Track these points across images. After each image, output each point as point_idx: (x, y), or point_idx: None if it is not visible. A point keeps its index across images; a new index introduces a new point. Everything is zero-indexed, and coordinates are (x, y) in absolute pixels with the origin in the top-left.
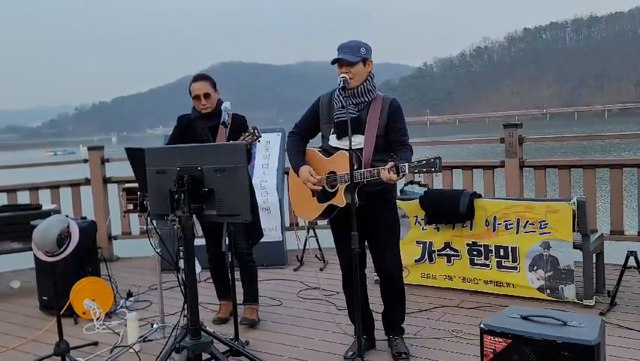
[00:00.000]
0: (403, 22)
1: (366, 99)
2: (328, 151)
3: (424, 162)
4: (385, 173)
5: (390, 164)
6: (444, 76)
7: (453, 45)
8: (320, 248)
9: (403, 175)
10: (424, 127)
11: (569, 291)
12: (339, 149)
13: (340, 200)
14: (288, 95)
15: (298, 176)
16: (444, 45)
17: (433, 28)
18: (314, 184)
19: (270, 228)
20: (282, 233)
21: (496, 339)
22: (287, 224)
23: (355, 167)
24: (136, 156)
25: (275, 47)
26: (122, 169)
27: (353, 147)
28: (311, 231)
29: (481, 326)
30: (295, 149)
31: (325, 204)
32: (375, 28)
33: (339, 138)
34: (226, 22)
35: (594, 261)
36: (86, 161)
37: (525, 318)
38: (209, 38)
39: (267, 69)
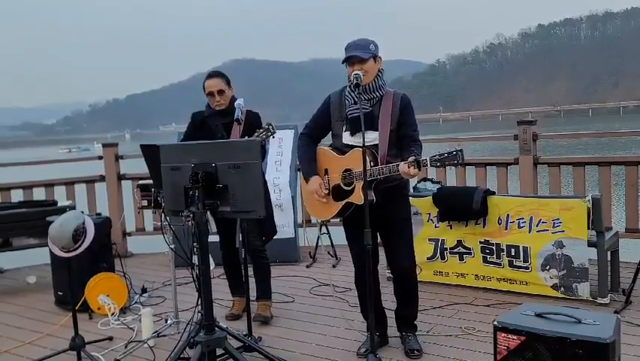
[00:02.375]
0: (415, 19)
1: (378, 95)
2: (341, 149)
3: (446, 154)
4: (405, 167)
5: (412, 158)
6: (457, 73)
7: (466, 42)
8: (332, 245)
9: (423, 169)
10: (436, 124)
11: (583, 289)
12: (352, 146)
13: (358, 197)
14: (300, 92)
15: (307, 183)
16: (457, 42)
17: (445, 25)
18: (321, 197)
19: (283, 224)
20: (294, 230)
21: (510, 336)
22: (300, 221)
23: (372, 163)
24: (150, 153)
25: (287, 44)
26: (136, 166)
27: (368, 143)
28: (323, 228)
29: (495, 323)
30: (306, 154)
31: (342, 203)
32: (387, 24)
33: (352, 134)
34: (239, 19)
35: (609, 259)
36: (100, 158)
37: (539, 315)
38: (222, 36)
39: (279, 66)
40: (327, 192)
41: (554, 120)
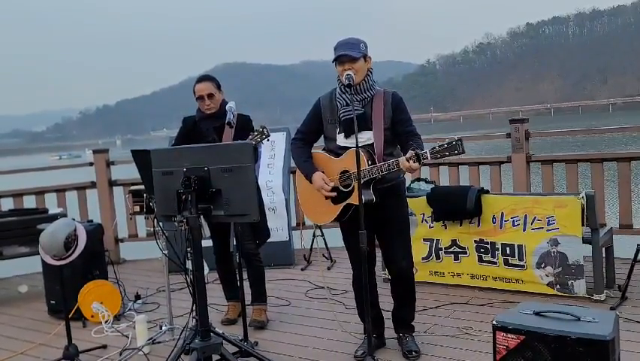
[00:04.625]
0: (405, 20)
1: (369, 95)
2: (335, 152)
3: (446, 145)
4: (405, 162)
5: (410, 153)
6: (447, 73)
7: (455, 42)
8: (327, 247)
9: (424, 163)
10: (427, 124)
11: (579, 286)
12: (347, 148)
13: (358, 198)
14: (291, 94)
15: (311, 183)
16: (446, 42)
17: (434, 26)
18: (328, 191)
19: (277, 228)
20: (288, 233)
21: (509, 336)
22: (293, 224)
23: (369, 162)
24: (142, 158)
25: (277, 47)
26: (128, 172)
27: (363, 144)
28: (318, 230)
29: (494, 322)
30: (302, 156)
31: (342, 205)
32: (377, 26)
33: (347, 136)
34: (228, 23)
35: (604, 255)
36: (91, 164)
37: (538, 314)
38: (212, 40)
39: (270, 69)
40: (332, 185)
41: (545, 118)
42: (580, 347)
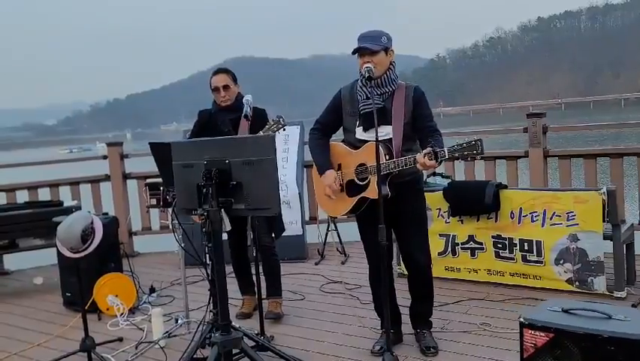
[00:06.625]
0: (414, 14)
1: (390, 89)
2: (353, 144)
3: (465, 145)
4: (422, 159)
5: (428, 149)
6: (457, 67)
7: (466, 36)
8: (341, 241)
9: (442, 161)
10: (437, 119)
11: (599, 283)
12: (365, 141)
13: (373, 192)
14: (302, 89)
15: (321, 177)
16: (456, 36)
17: (445, 19)
18: (333, 192)
19: (291, 221)
20: (302, 227)
21: (538, 333)
22: (307, 218)
23: (387, 157)
24: (160, 151)
25: (287, 41)
26: (140, 165)
27: (382, 138)
28: (332, 224)
29: (521, 319)
30: (319, 148)
31: (356, 198)
32: (386, 19)
33: (365, 129)
34: (237, 17)
35: (624, 252)
36: (105, 157)
37: (566, 311)
38: (221, 34)
39: (280, 63)
40: (340, 188)
41: (556, 113)
42: (612, 346)
